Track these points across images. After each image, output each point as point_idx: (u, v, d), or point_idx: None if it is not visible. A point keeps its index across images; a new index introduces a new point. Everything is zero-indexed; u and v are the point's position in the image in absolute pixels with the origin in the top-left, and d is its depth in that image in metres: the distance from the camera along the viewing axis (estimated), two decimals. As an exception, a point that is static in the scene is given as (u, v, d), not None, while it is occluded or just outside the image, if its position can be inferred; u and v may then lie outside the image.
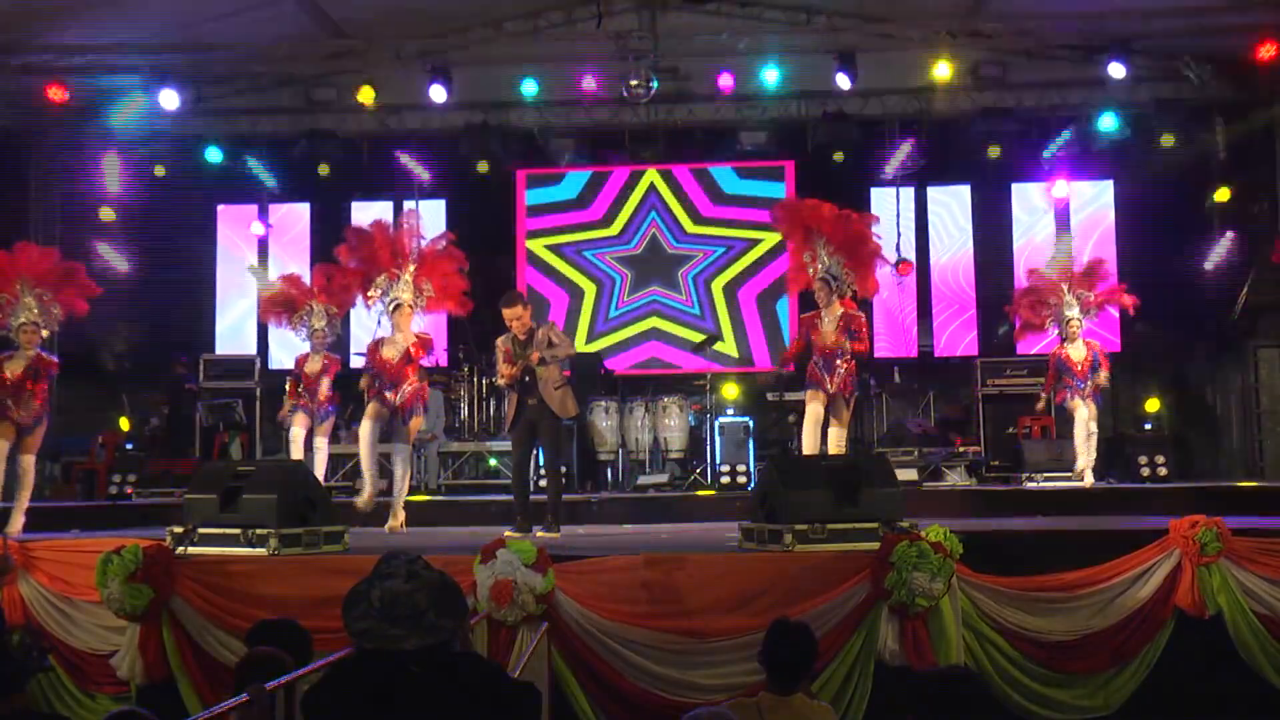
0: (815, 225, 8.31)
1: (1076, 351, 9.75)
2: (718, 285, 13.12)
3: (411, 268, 8.31)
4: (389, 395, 8.19)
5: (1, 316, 8.33)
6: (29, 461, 8.23)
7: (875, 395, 11.95)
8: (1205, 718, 5.99)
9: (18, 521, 8.07)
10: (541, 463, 8.31)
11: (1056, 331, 10.06)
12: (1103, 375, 9.69)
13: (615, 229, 13.31)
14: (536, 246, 13.36)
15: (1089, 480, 9.66)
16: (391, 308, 8.29)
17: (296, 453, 9.11)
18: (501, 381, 8.06)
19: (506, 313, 7.82)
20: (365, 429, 8.23)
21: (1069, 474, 9.81)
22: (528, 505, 7.81)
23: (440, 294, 8.45)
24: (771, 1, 11.51)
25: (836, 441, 8.18)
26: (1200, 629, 6.05)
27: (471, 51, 11.44)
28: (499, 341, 7.98)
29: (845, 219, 8.40)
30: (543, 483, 8.38)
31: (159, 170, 12.46)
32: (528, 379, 7.72)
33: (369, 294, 8.40)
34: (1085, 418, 9.65)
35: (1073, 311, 9.80)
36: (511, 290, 8.91)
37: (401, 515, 8.32)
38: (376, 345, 8.36)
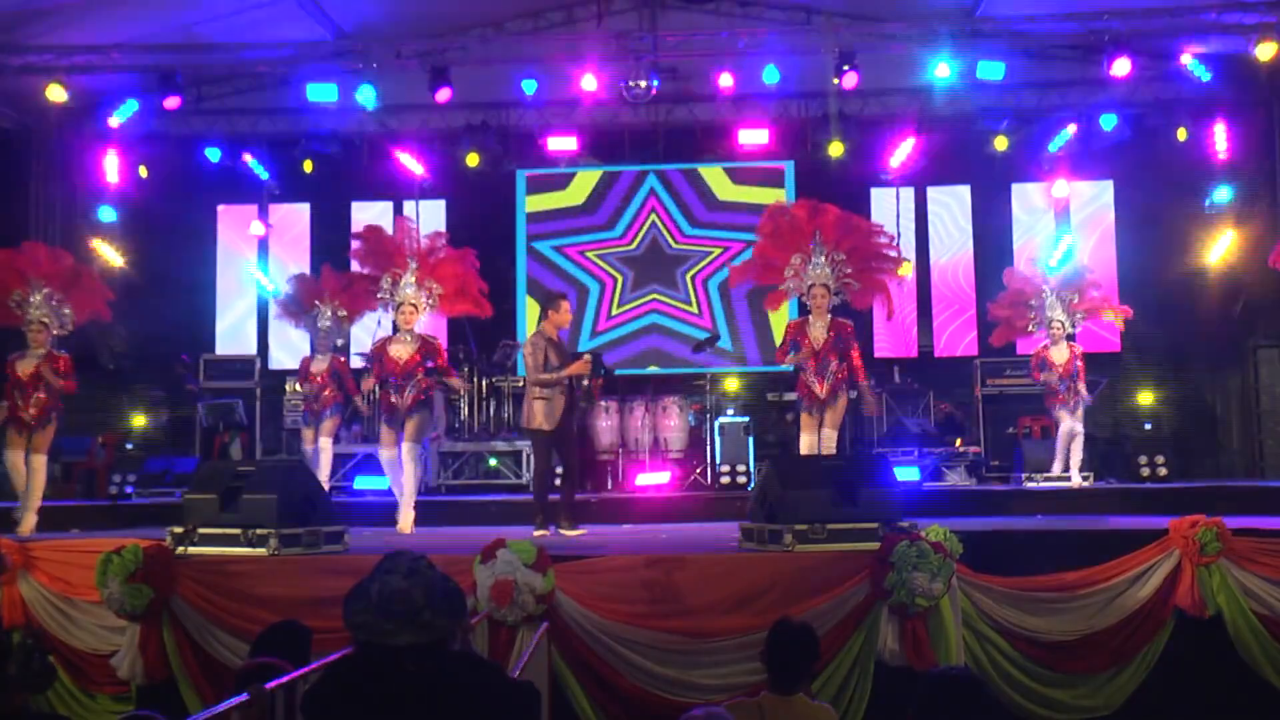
0: (817, 229, 8.29)
1: (1059, 354, 9.77)
2: (718, 285, 13.13)
3: (414, 266, 8.36)
4: (395, 400, 8.22)
5: (12, 314, 8.38)
6: (40, 461, 8.27)
7: (875, 395, 11.92)
8: (1205, 718, 5.99)
9: (29, 521, 8.11)
10: (563, 466, 8.47)
11: (1037, 331, 10.09)
12: (1081, 388, 9.73)
13: (615, 229, 13.31)
14: (536, 246, 13.36)
15: (1076, 480, 9.68)
16: (397, 308, 8.34)
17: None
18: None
19: (564, 304, 8.27)
20: (387, 460, 8.34)
21: (1065, 475, 9.83)
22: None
23: (457, 295, 8.51)
24: (771, 1, 11.52)
25: (828, 443, 8.18)
26: (1200, 629, 6.05)
27: (471, 51, 11.44)
28: (539, 340, 8.07)
29: (855, 229, 8.44)
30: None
31: (143, 171, 12.46)
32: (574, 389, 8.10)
33: (377, 295, 8.50)
34: (1068, 425, 9.71)
35: (1056, 313, 9.82)
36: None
37: (410, 515, 8.33)
38: (384, 346, 8.39)
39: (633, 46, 11.16)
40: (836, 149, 12.41)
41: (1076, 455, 9.74)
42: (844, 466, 6.61)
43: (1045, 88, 12.17)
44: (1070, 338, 9.97)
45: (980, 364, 11.83)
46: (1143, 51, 10.97)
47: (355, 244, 8.80)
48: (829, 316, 8.23)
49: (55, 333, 8.47)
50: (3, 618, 6.56)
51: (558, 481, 8.29)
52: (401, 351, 8.28)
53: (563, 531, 7.86)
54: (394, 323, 8.43)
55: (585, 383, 8.12)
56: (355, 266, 8.98)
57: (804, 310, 8.55)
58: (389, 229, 8.86)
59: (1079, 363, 9.76)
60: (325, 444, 9.35)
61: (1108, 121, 11.91)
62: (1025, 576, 6.08)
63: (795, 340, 8.25)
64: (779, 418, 11.92)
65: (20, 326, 8.44)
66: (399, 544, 6.93)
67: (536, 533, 7.41)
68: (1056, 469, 9.89)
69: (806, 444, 8.18)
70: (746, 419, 11.20)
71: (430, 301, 8.42)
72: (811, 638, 4.29)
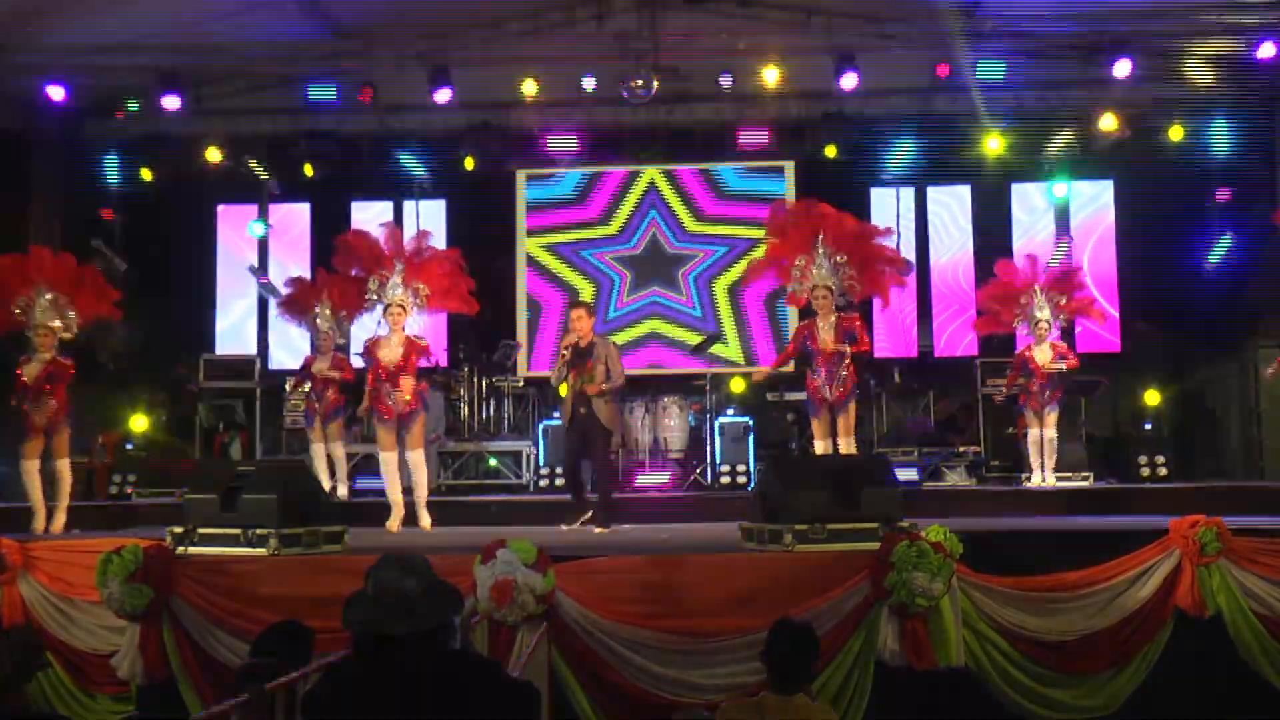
0: (821, 230, 8.37)
1: (1041, 355, 9.73)
2: (718, 285, 13.12)
3: (400, 268, 8.42)
4: (389, 402, 8.26)
5: (19, 318, 8.38)
6: (64, 465, 8.33)
7: (875, 395, 11.95)
8: (1205, 718, 5.99)
9: (60, 520, 8.25)
10: (592, 470, 8.64)
11: (1020, 327, 10.08)
12: (1061, 364, 9.63)
13: (615, 229, 13.31)
14: (536, 246, 13.36)
15: (1051, 481, 9.62)
16: (385, 309, 8.40)
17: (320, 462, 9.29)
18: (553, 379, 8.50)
19: (572, 314, 8.34)
20: (386, 460, 8.39)
21: (1068, 474, 9.82)
22: (584, 500, 8.37)
23: (444, 294, 8.56)
24: (771, 1, 11.52)
25: (846, 448, 8.26)
26: (1200, 629, 6.05)
27: (471, 51, 11.44)
28: (564, 342, 8.31)
29: (849, 231, 8.54)
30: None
31: (144, 173, 12.47)
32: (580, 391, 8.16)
33: (365, 298, 8.59)
34: (1038, 432, 9.68)
35: (1043, 313, 9.78)
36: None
37: (428, 516, 8.44)
38: (374, 347, 8.44)
39: (633, 46, 11.15)
40: (834, 149, 12.44)
41: (1050, 459, 9.69)
42: (844, 466, 6.62)
43: (1045, 88, 12.16)
44: (1064, 338, 9.96)
45: (980, 364, 11.82)
46: (1143, 51, 10.96)
47: (338, 249, 8.88)
48: (834, 317, 8.31)
49: (61, 336, 8.46)
50: (3, 617, 6.56)
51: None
52: (390, 355, 8.34)
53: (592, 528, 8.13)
54: (386, 325, 8.53)
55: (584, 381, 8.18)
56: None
57: (810, 312, 8.61)
58: (379, 233, 8.93)
59: (1064, 366, 9.70)
60: (333, 445, 9.39)
61: (1107, 122, 11.91)
62: (1025, 576, 6.09)
63: (807, 343, 8.37)
64: (779, 418, 11.92)
65: (24, 330, 8.43)
66: (396, 545, 6.95)
67: (565, 527, 7.95)
68: (1035, 479, 9.79)
69: (821, 430, 8.37)
70: (747, 419, 11.20)
71: (418, 301, 8.49)
72: (811, 638, 4.30)
